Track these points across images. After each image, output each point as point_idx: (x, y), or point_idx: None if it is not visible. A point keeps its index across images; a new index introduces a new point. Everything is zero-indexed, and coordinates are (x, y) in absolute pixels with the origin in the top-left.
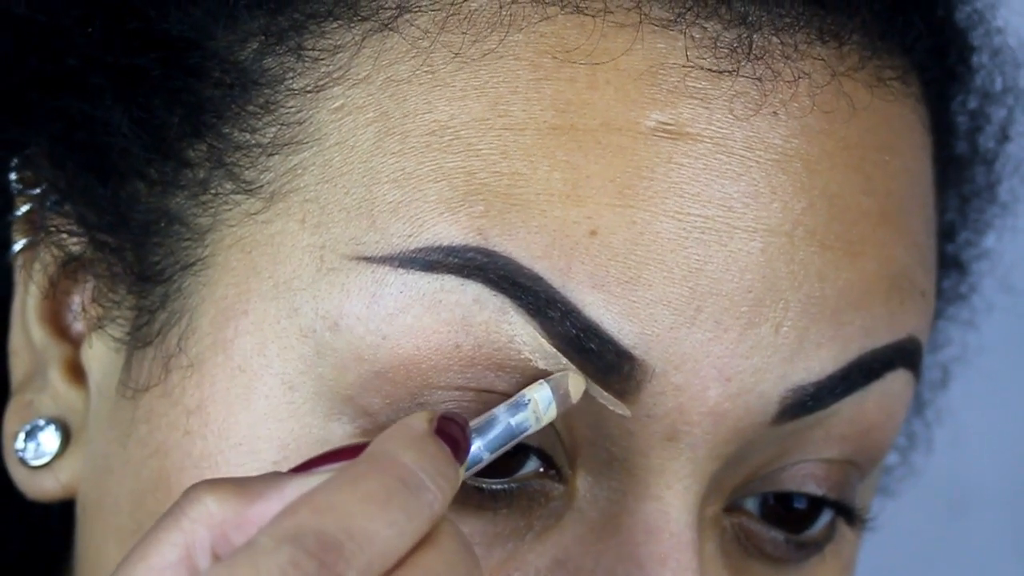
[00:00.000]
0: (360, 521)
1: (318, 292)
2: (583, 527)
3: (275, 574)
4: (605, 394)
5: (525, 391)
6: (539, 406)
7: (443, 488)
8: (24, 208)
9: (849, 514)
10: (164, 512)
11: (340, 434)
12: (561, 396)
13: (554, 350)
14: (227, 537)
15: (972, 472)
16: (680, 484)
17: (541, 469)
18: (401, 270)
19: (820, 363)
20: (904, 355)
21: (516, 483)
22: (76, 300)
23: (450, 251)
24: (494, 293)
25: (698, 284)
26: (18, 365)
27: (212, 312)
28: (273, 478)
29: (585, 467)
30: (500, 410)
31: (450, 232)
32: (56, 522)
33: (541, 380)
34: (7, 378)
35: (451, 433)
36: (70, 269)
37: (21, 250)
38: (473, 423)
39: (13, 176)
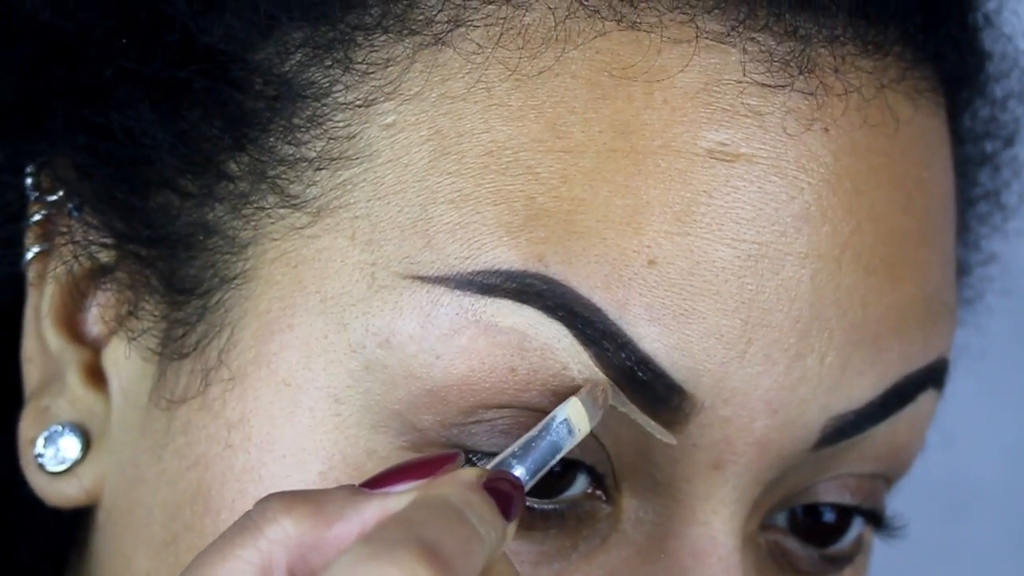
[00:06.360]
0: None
1: (369, 309)
2: (629, 549)
3: None
4: (652, 423)
5: (563, 414)
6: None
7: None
8: (38, 216)
9: (878, 521)
10: (235, 526)
11: (387, 445)
12: (597, 408)
13: (607, 378)
14: (305, 559)
15: (972, 472)
16: (726, 510)
17: (589, 490)
18: (457, 292)
19: (861, 391)
20: (934, 375)
21: (565, 504)
22: (95, 305)
23: (508, 276)
24: (551, 320)
25: (750, 316)
26: (32, 371)
27: (255, 326)
28: (349, 497)
29: (631, 490)
30: (542, 434)
31: (509, 257)
32: (63, 529)
33: (573, 398)
34: (9, 384)
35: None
36: (90, 276)
37: (34, 256)
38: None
39: (28, 181)
